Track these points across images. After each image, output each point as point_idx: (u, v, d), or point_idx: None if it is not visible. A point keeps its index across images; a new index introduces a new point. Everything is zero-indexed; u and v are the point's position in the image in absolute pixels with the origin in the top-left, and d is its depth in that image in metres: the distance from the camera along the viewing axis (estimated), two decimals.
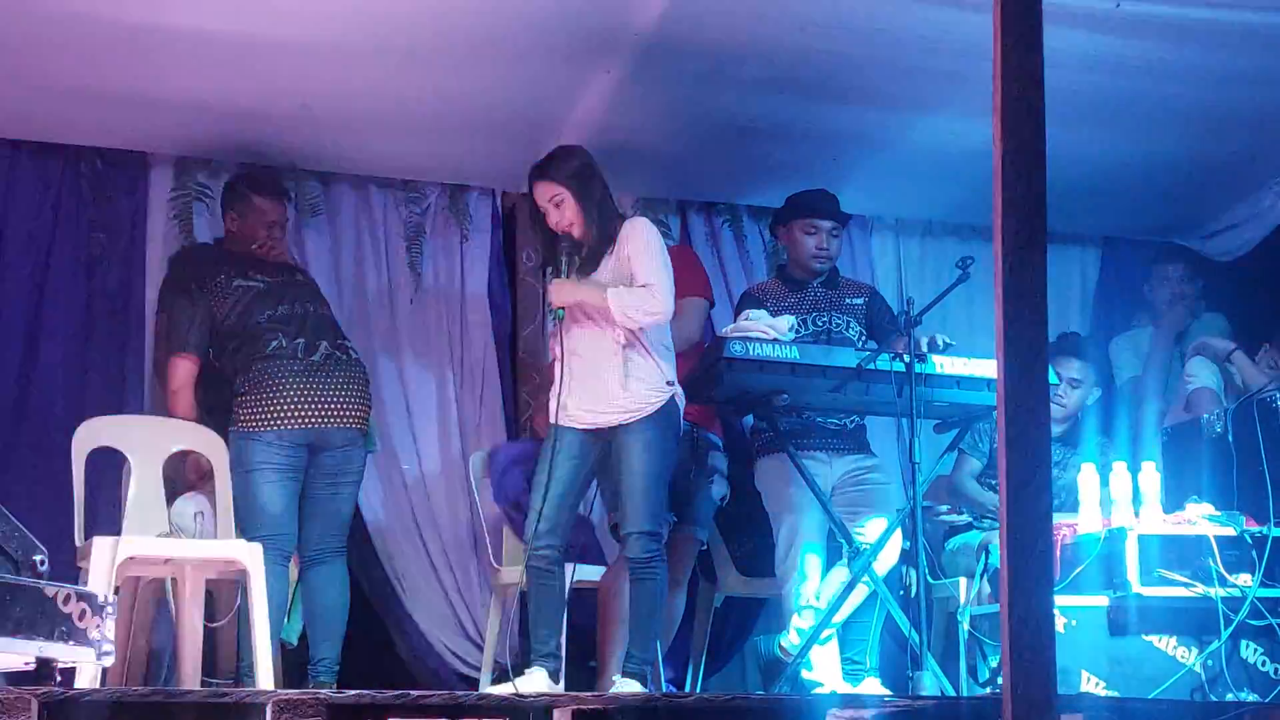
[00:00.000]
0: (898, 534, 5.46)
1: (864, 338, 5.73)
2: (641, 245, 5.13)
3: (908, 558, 5.48)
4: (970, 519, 6.13)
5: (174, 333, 5.59)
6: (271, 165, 6.25)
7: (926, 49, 5.37)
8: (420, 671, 6.30)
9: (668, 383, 5.10)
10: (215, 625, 5.42)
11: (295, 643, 5.64)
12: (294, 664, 5.65)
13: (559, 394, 5.06)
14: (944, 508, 6.12)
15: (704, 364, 5.41)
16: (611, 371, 5.04)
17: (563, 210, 5.16)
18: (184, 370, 5.52)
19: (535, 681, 4.92)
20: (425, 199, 6.61)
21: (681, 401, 5.18)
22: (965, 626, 5.31)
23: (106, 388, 6.03)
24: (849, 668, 5.51)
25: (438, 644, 6.32)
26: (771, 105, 5.89)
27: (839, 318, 5.77)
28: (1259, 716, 4.52)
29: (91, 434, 5.28)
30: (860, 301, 5.84)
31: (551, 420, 5.11)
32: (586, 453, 5.10)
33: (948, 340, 5.42)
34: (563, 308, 5.08)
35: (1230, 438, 5.53)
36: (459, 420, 6.52)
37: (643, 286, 5.05)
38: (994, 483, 6.03)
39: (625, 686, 4.95)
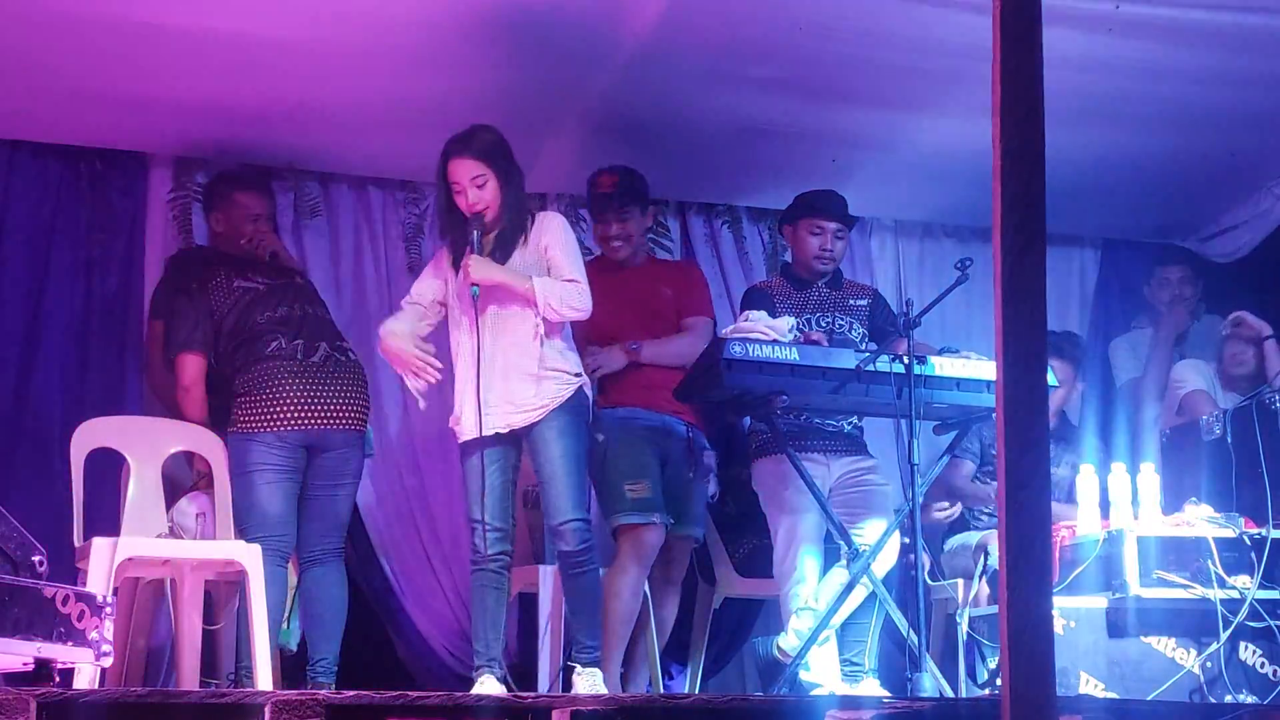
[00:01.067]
0: (896, 535, 5.46)
1: (866, 339, 5.73)
2: (562, 240, 5.13)
3: (907, 552, 5.48)
4: (967, 516, 6.13)
5: (176, 332, 5.56)
6: (270, 165, 6.25)
7: (926, 50, 5.37)
8: (418, 672, 6.30)
9: (575, 374, 5.11)
10: (214, 627, 5.42)
11: (295, 649, 5.63)
12: (293, 665, 5.64)
13: (475, 397, 4.97)
14: (943, 504, 6.12)
15: (703, 365, 5.41)
16: (526, 367, 5.01)
17: (484, 191, 5.07)
18: (194, 366, 5.50)
19: (490, 686, 4.93)
20: (424, 199, 6.61)
21: (590, 391, 5.20)
22: (964, 628, 5.31)
23: (105, 388, 6.03)
24: (847, 669, 5.51)
25: (436, 644, 6.33)
26: (770, 106, 5.89)
27: (842, 319, 5.76)
28: (1258, 718, 4.52)
29: (90, 434, 5.28)
30: (864, 303, 5.84)
31: (469, 432, 5.02)
32: (507, 454, 5.07)
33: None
34: (478, 285, 5.00)
35: (1229, 440, 5.53)
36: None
37: (569, 281, 5.05)
38: (990, 478, 6.05)
39: (588, 677, 4.96)
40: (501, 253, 5.08)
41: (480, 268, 5.01)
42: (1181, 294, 6.80)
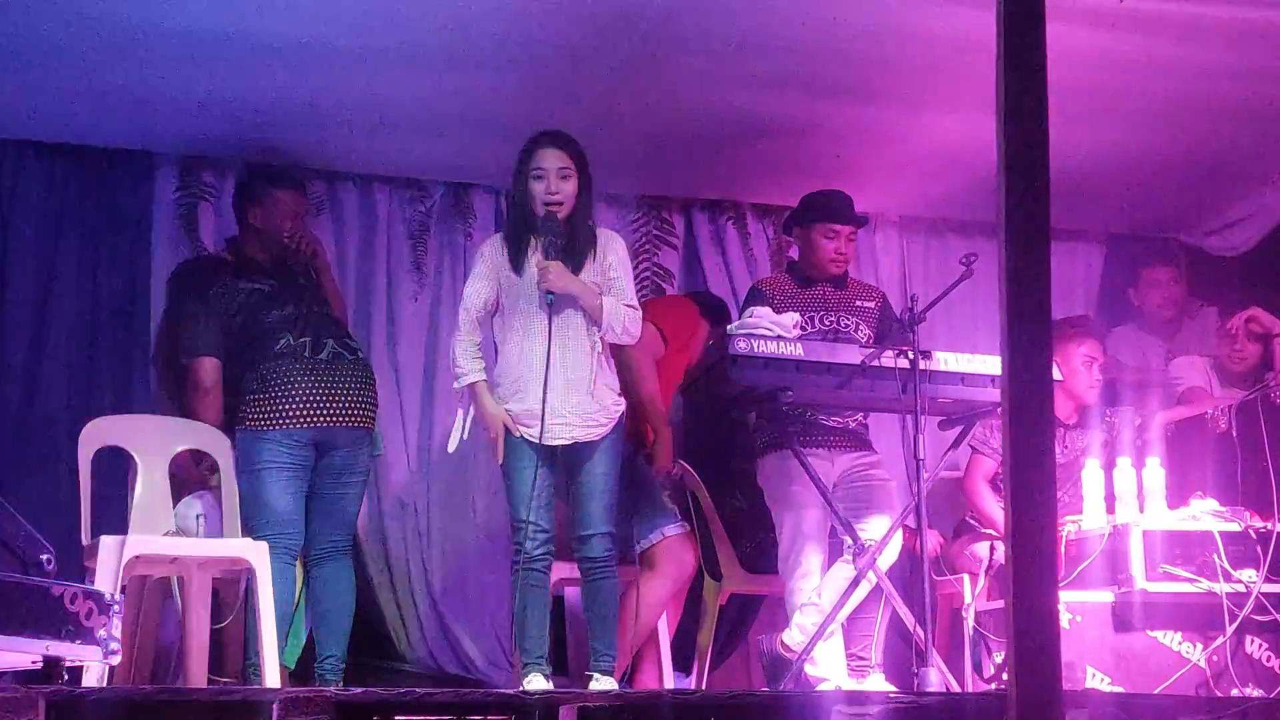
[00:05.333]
0: (899, 530, 5.44)
1: (872, 342, 5.71)
2: (625, 262, 5.24)
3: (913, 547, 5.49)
4: (971, 521, 6.11)
5: (187, 337, 5.59)
6: (275, 164, 6.26)
7: (929, 45, 5.37)
8: (425, 670, 6.30)
9: (620, 394, 5.20)
10: (221, 625, 5.42)
11: (293, 666, 5.61)
12: (300, 662, 5.65)
13: (541, 404, 4.98)
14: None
15: (708, 361, 5.41)
16: (586, 381, 5.07)
17: (565, 185, 5.11)
18: (213, 369, 5.52)
19: (538, 685, 4.96)
20: (429, 198, 6.62)
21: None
22: (970, 622, 5.32)
23: (112, 387, 6.04)
24: (854, 664, 5.51)
25: (440, 643, 6.33)
26: (775, 102, 5.89)
27: (848, 318, 5.74)
28: (1264, 712, 4.53)
29: (97, 433, 5.29)
30: (871, 305, 5.80)
31: (529, 437, 5.04)
32: (555, 461, 5.11)
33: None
34: (553, 293, 5.04)
35: (1234, 434, 5.53)
36: (462, 420, 6.52)
37: (629, 306, 5.14)
38: None
39: (605, 685, 4.98)
40: (572, 264, 5.11)
41: (560, 277, 5.04)
42: (1171, 295, 6.77)
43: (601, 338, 5.10)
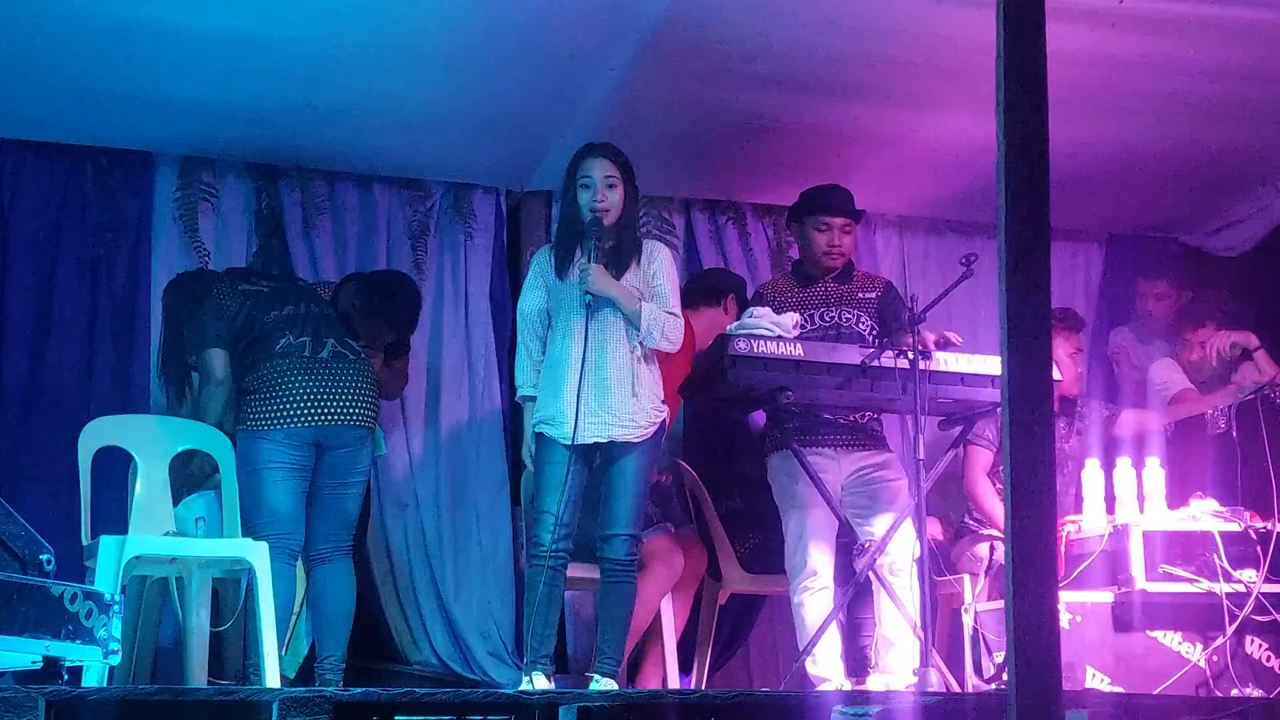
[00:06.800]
0: (909, 533, 5.39)
1: (875, 332, 5.70)
2: (669, 271, 5.28)
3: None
4: (969, 522, 6.10)
5: (192, 335, 5.60)
6: (277, 164, 6.27)
7: (930, 45, 5.37)
8: (426, 670, 6.30)
9: (663, 401, 5.22)
10: (220, 629, 5.41)
11: (292, 676, 5.61)
12: (301, 662, 5.65)
13: (575, 405, 5.00)
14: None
15: (709, 361, 5.42)
16: (626, 384, 5.09)
17: (612, 194, 5.16)
18: (222, 359, 5.52)
19: (540, 684, 4.96)
20: (429, 198, 6.61)
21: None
22: (969, 623, 5.32)
23: (113, 387, 6.04)
24: (854, 664, 5.51)
25: (442, 642, 6.33)
26: (776, 102, 5.89)
27: (849, 312, 5.72)
28: (1264, 712, 4.53)
29: (98, 433, 5.30)
30: (873, 295, 5.79)
31: (564, 437, 5.05)
32: (589, 461, 5.14)
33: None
34: (591, 295, 5.08)
35: (1234, 434, 5.54)
36: (461, 419, 6.53)
37: (671, 313, 5.17)
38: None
39: (606, 687, 4.98)
40: (615, 269, 5.16)
41: (599, 279, 5.09)
42: (1165, 308, 6.75)
43: (641, 342, 5.13)
